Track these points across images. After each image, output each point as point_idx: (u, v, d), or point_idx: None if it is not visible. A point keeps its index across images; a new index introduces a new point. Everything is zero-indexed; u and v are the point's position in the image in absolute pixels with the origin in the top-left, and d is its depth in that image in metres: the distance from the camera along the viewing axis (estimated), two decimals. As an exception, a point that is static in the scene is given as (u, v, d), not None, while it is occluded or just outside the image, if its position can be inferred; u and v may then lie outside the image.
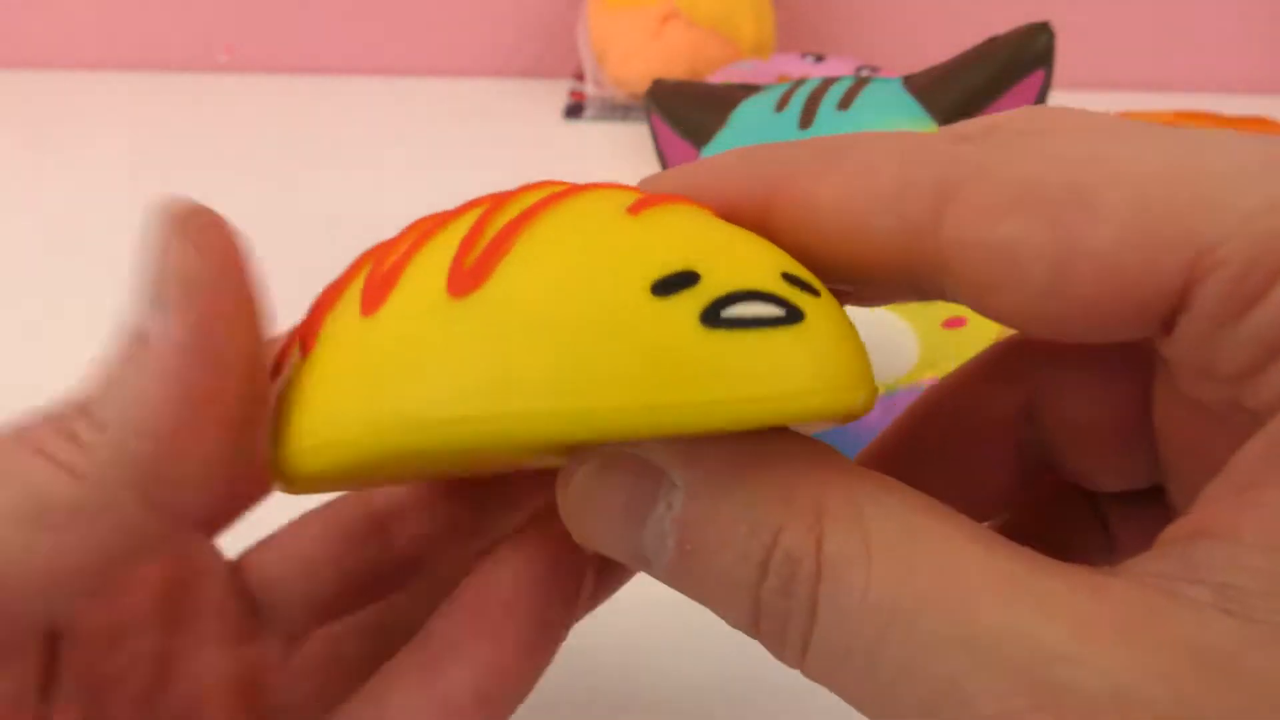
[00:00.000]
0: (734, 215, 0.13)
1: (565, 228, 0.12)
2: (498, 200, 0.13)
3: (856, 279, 0.13)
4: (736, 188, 0.13)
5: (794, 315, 0.12)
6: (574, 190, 0.13)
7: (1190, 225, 0.11)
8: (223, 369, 0.12)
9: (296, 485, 0.14)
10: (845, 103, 0.25)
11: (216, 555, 0.17)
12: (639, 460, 0.12)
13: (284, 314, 0.15)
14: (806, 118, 0.25)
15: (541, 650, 0.15)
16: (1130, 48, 0.65)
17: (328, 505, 0.18)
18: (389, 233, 0.15)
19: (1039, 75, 0.24)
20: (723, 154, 0.14)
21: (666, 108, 0.28)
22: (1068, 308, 0.12)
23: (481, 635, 0.14)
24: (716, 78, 0.52)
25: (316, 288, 0.16)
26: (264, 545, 0.18)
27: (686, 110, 0.28)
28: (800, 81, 0.26)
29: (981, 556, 0.11)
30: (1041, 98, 0.24)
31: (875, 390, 0.14)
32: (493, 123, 0.61)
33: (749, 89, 0.28)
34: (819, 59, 0.51)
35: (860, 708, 0.12)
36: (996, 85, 0.24)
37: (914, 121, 0.25)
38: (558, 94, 0.64)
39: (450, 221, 0.13)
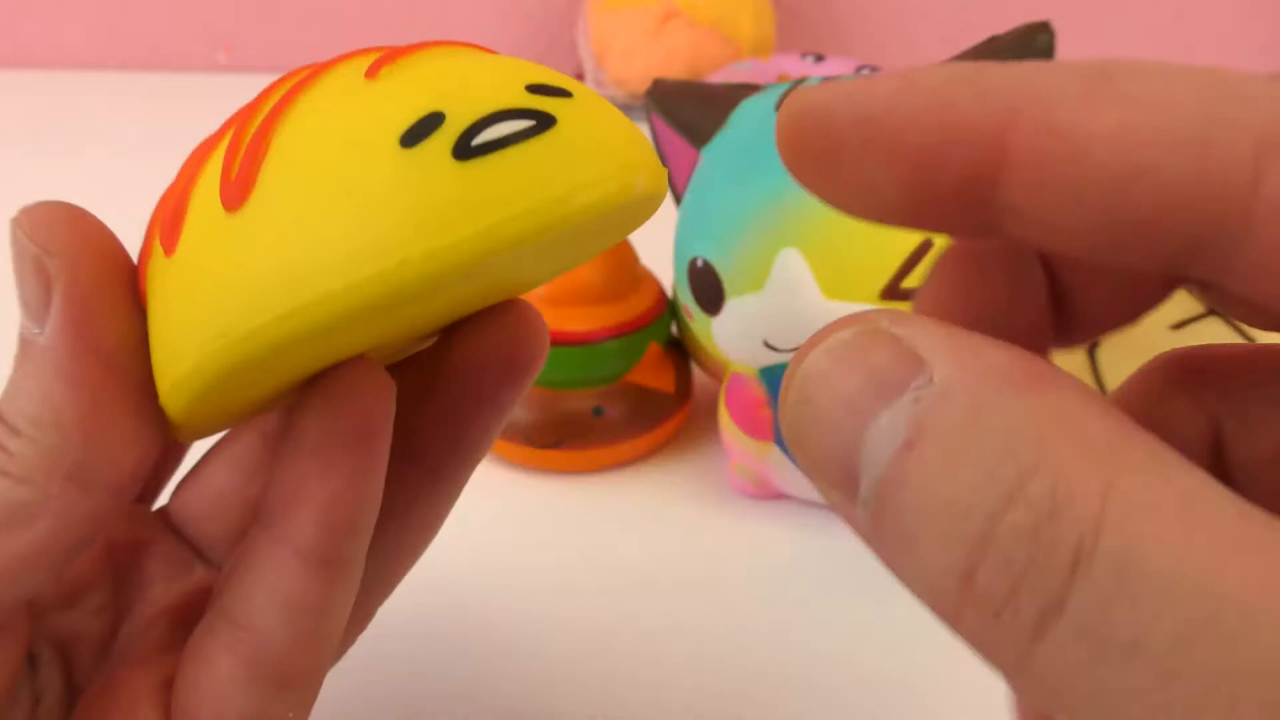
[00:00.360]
0: (947, 144, 0.11)
1: (311, 114, 0.13)
2: (252, 106, 0.14)
3: (1113, 239, 0.10)
4: (957, 111, 0.10)
5: (545, 122, 0.12)
6: (318, 71, 0.14)
7: None
8: (102, 352, 0.14)
9: (183, 430, 0.15)
10: (845, 102, 0.25)
11: (146, 511, 0.19)
12: (896, 342, 0.10)
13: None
14: (807, 117, 0.25)
15: (368, 473, 0.15)
16: (1130, 48, 0.65)
17: (227, 438, 0.19)
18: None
19: (1039, 75, 0.24)
20: (929, 70, 0.11)
21: (666, 107, 0.28)
22: None
23: (309, 479, 0.15)
24: (716, 77, 0.52)
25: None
26: (183, 485, 0.19)
27: (686, 110, 0.28)
28: (800, 81, 0.26)
29: None
30: (1042, 97, 0.24)
31: (659, 170, 0.14)
32: (493, 122, 0.61)
33: (749, 89, 0.28)
34: (819, 59, 0.51)
35: None
36: (997, 85, 0.24)
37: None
38: (558, 94, 0.64)
39: (219, 141, 0.14)
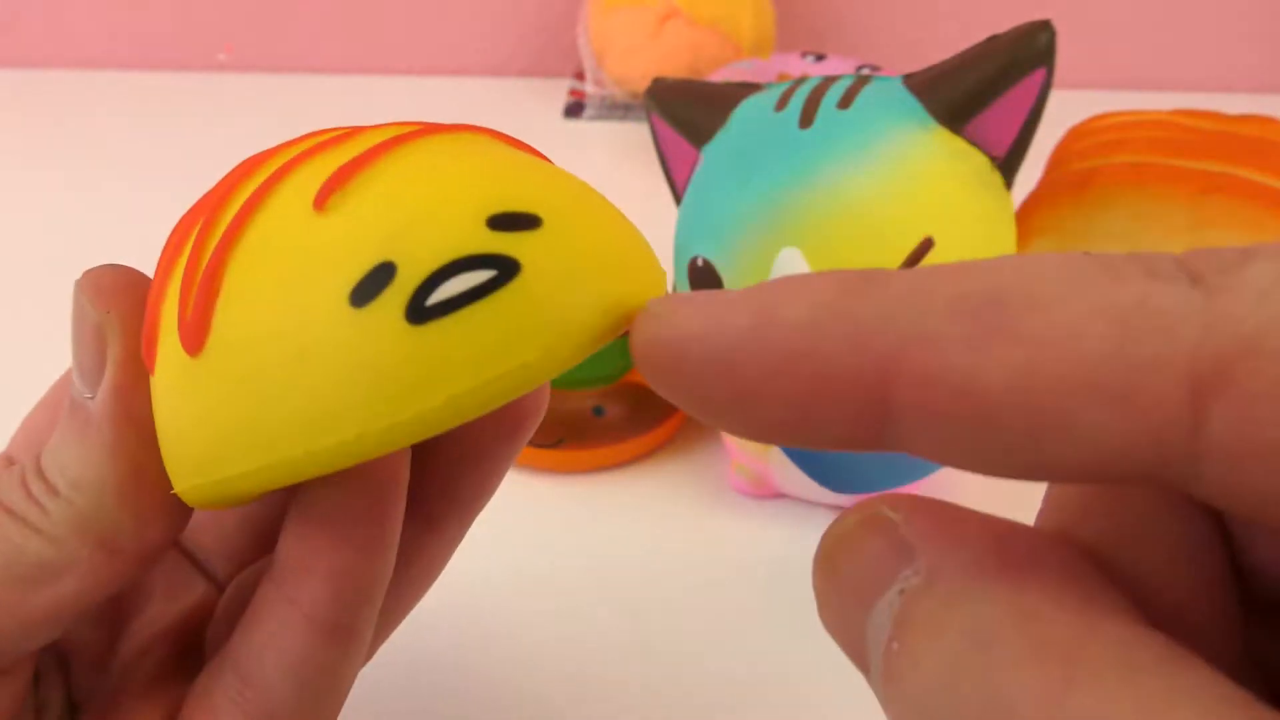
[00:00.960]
0: (824, 403, 0.10)
1: (260, 250, 0.12)
2: (208, 218, 0.13)
3: (1024, 475, 0.09)
4: (832, 362, 0.09)
5: (507, 270, 0.11)
6: (263, 191, 0.13)
7: None
8: (146, 425, 0.14)
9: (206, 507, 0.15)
10: (845, 102, 0.25)
11: None
12: (889, 531, 0.10)
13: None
14: (806, 117, 0.25)
15: (381, 546, 0.15)
16: (1130, 47, 0.65)
17: None
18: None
19: (1040, 74, 0.24)
20: (788, 302, 0.10)
21: (666, 106, 0.28)
22: None
23: (322, 549, 0.15)
24: (716, 76, 0.52)
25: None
26: None
27: (686, 109, 0.28)
28: (800, 80, 0.26)
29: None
30: (1042, 97, 0.24)
31: (648, 285, 0.12)
32: (493, 122, 0.60)
33: (749, 88, 0.28)
34: (819, 58, 0.51)
35: None
36: (997, 84, 0.24)
37: (914, 120, 0.25)
38: (558, 93, 0.64)
39: (187, 238, 0.13)
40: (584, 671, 0.25)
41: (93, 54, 0.69)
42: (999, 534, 0.09)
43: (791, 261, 0.24)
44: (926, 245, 0.24)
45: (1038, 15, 0.25)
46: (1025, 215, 0.31)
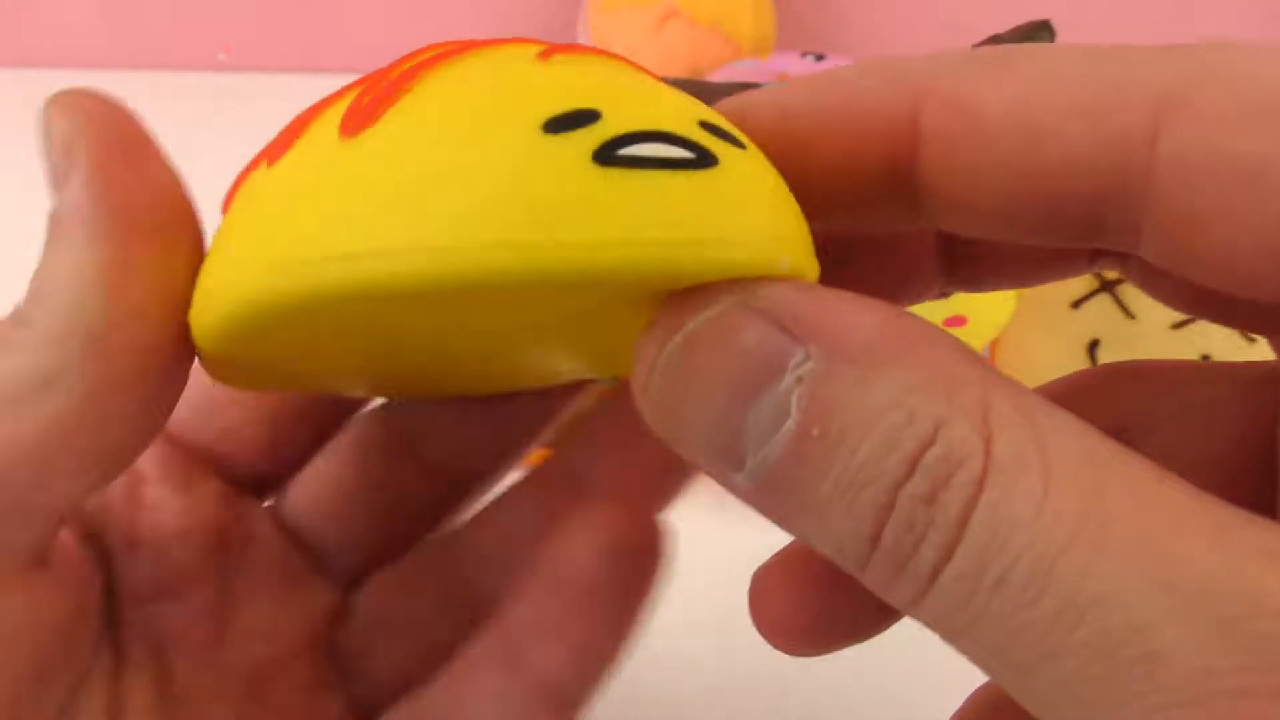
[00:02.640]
0: (865, 132, 0.11)
1: (467, 70, 0.12)
2: (404, 57, 0.12)
3: (1021, 213, 0.11)
4: (871, 97, 0.11)
5: (705, 159, 0.11)
6: (488, 43, 0.12)
7: None
8: (125, 211, 0.13)
9: (209, 361, 0.14)
10: (845, 102, 0.25)
11: (257, 505, 0.18)
12: (766, 321, 0.10)
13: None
14: (807, 117, 0.25)
15: (626, 625, 0.15)
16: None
17: (350, 430, 0.17)
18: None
19: (1039, 74, 0.24)
20: (843, 67, 0.12)
21: (667, 107, 0.28)
22: None
23: (566, 616, 0.14)
24: (716, 76, 0.52)
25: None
26: (297, 485, 0.18)
27: (687, 109, 0.28)
28: (800, 81, 0.26)
29: (1182, 496, 0.09)
30: (1042, 97, 0.24)
31: (811, 260, 0.12)
32: (493, 122, 0.61)
33: (749, 88, 0.28)
34: (819, 58, 0.51)
35: (989, 656, 0.09)
36: (997, 84, 0.24)
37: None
38: (558, 93, 0.64)
39: (346, 93, 0.13)
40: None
41: (93, 54, 0.69)
42: (877, 310, 0.10)
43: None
44: (926, 245, 0.24)
45: (1037, 15, 0.25)
46: (1025, 215, 0.31)
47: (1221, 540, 0.08)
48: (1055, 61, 0.10)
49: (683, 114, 0.11)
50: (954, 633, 0.09)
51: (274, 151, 0.13)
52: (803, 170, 0.11)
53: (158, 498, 0.16)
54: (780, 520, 0.10)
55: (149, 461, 0.16)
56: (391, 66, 0.12)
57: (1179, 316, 0.30)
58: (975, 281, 0.14)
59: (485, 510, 0.18)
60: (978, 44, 0.25)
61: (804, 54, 0.52)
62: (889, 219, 0.12)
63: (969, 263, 0.14)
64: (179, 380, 0.14)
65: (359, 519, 0.17)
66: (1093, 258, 0.13)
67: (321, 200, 0.11)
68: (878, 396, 0.09)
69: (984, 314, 0.26)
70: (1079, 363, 0.32)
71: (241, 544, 0.17)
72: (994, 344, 0.35)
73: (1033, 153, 0.10)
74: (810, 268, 0.12)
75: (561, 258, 0.10)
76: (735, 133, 0.12)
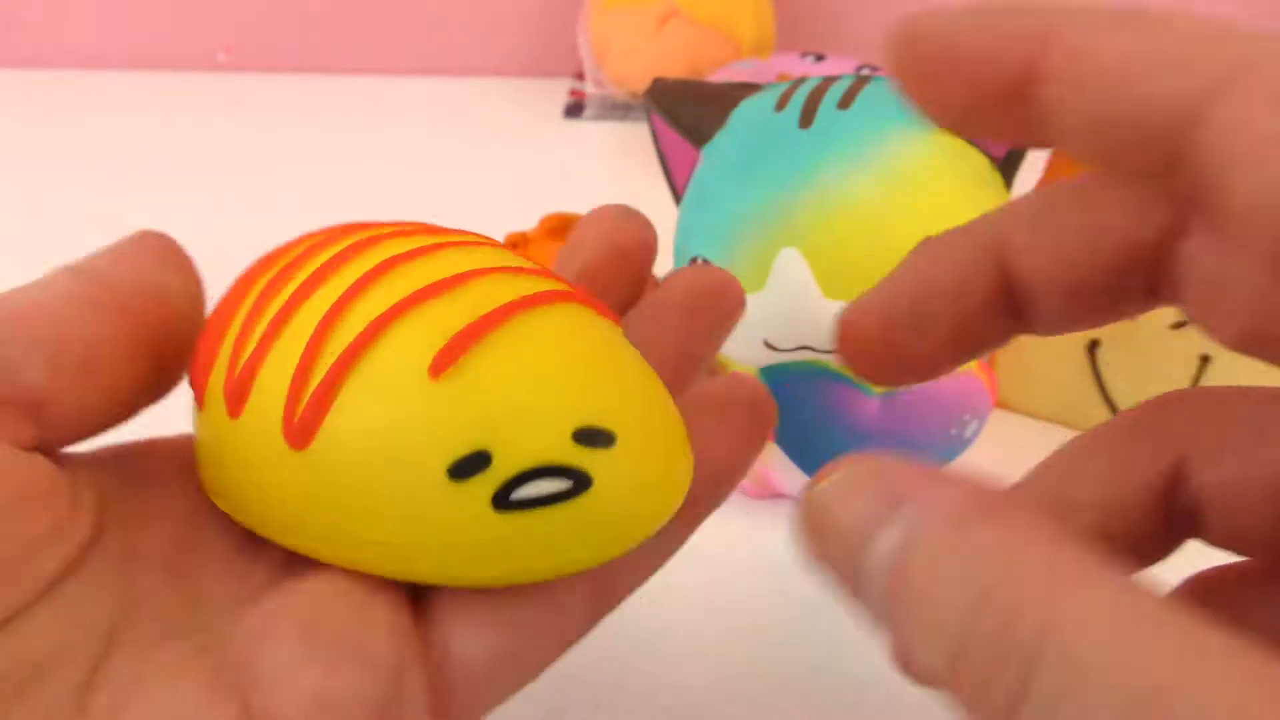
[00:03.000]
0: (991, 70, 0.13)
1: (373, 391, 0.14)
2: (328, 319, 0.14)
3: (1113, 139, 0.13)
4: (1002, 39, 0.13)
5: (580, 484, 0.14)
6: (387, 320, 0.14)
7: None
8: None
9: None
10: (845, 102, 0.25)
11: None
12: (880, 480, 0.12)
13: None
14: (806, 117, 0.25)
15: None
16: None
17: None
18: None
19: (1039, 74, 0.24)
20: (980, 4, 0.14)
21: (666, 106, 0.28)
22: None
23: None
24: (716, 76, 0.52)
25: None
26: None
27: (686, 109, 0.28)
28: (800, 81, 0.26)
29: (1237, 649, 0.10)
30: (1042, 97, 0.24)
31: (682, 491, 0.15)
32: (493, 122, 0.61)
33: (749, 88, 0.28)
34: (819, 58, 0.51)
35: None
36: (997, 84, 0.24)
37: (914, 120, 0.25)
38: (558, 93, 0.64)
39: (294, 312, 0.15)
40: (581, 671, 0.25)
41: (93, 54, 0.69)
42: (969, 485, 0.12)
43: (791, 262, 0.24)
44: (926, 245, 0.24)
45: (1037, 15, 0.25)
46: (1025, 215, 0.31)
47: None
48: (1167, 23, 0.12)
49: (561, 427, 0.14)
50: None
51: (231, 397, 0.14)
52: (950, 83, 0.14)
53: None
54: (890, 640, 0.12)
55: None
56: (312, 341, 0.14)
57: (1178, 316, 0.30)
58: (1041, 326, 0.16)
59: None
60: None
61: (804, 54, 0.52)
62: (1001, 132, 0.14)
63: (1032, 312, 0.15)
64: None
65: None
66: (1147, 295, 0.14)
67: (290, 503, 0.14)
68: (955, 551, 0.11)
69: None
70: (1079, 363, 0.32)
71: None
72: (994, 344, 0.35)
73: (1125, 91, 0.12)
74: (675, 501, 0.15)
75: (477, 581, 0.14)
76: (606, 423, 0.14)
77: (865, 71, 0.48)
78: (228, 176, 0.54)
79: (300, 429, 0.14)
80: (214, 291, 0.17)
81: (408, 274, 0.15)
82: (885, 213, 0.24)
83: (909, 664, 0.12)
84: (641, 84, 0.57)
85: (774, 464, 0.29)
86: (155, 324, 0.16)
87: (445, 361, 0.14)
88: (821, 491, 0.13)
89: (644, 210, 0.20)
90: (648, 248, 0.20)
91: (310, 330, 0.14)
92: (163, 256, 0.17)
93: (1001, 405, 0.35)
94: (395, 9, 0.67)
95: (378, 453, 0.14)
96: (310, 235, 0.17)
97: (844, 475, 0.13)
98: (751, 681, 0.25)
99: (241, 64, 0.68)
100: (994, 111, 0.14)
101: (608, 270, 0.19)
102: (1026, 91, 0.13)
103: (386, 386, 0.14)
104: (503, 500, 0.13)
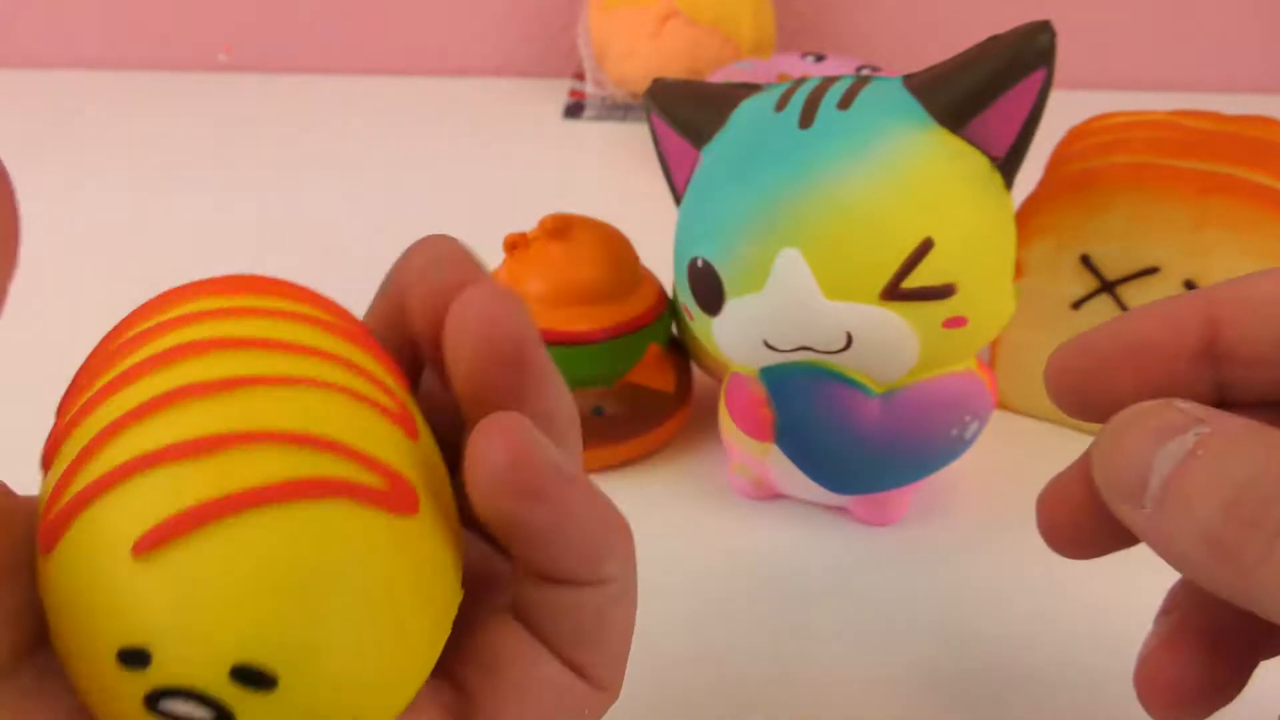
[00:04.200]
0: (1166, 344, 0.18)
1: (79, 548, 0.14)
2: (90, 448, 0.14)
3: None
4: (1178, 326, 0.18)
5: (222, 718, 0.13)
6: (125, 473, 0.14)
7: None
8: None
9: None
10: (845, 102, 0.25)
11: None
12: (1181, 410, 0.16)
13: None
14: (806, 117, 0.25)
15: None
16: (1130, 48, 0.65)
17: None
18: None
19: (1040, 74, 0.24)
20: (1136, 310, 0.18)
21: (666, 107, 0.28)
22: None
23: None
24: (716, 77, 0.52)
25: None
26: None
27: (686, 109, 0.28)
28: (800, 81, 0.26)
29: None
30: (1042, 97, 0.24)
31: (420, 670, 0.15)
32: (493, 122, 0.61)
33: (749, 88, 0.28)
34: (819, 59, 0.51)
35: None
36: (997, 84, 0.24)
37: (914, 120, 0.25)
38: (558, 93, 0.64)
39: (79, 424, 0.15)
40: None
41: (93, 54, 0.69)
42: (1248, 422, 0.15)
43: (791, 262, 0.24)
44: (926, 246, 0.24)
45: (1038, 15, 0.25)
46: (1025, 215, 0.31)
47: None
48: None
49: (223, 655, 0.13)
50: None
51: (46, 540, 0.14)
52: (1126, 382, 0.18)
53: None
54: (1162, 526, 0.16)
55: None
56: (63, 477, 0.14)
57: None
58: (1240, 393, 0.18)
59: None
60: (978, 44, 0.25)
61: (804, 54, 0.52)
62: (1191, 393, 0.18)
63: (1233, 379, 0.18)
64: None
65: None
66: None
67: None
68: (1236, 448, 0.15)
69: (984, 314, 0.26)
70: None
71: None
72: (994, 344, 0.35)
73: None
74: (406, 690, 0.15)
75: None
76: (273, 662, 0.13)
77: (865, 72, 0.48)
78: (227, 176, 0.54)
79: (43, 543, 0.14)
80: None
81: (191, 413, 0.14)
82: (885, 213, 0.24)
83: (1170, 548, 0.15)
84: (641, 84, 0.57)
85: (774, 465, 0.29)
86: None
87: (149, 543, 0.13)
88: (1126, 414, 0.17)
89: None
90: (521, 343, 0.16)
91: (75, 454, 0.14)
92: None
93: (1001, 405, 0.35)
94: (395, 9, 0.67)
95: (68, 610, 0.14)
96: (145, 311, 0.16)
97: (1151, 403, 0.17)
98: (750, 681, 0.25)
99: (241, 64, 0.68)
100: (1179, 378, 0.18)
101: (485, 381, 0.16)
102: (1208, 363, 0.17)
103: (91, 548, 0.14)
104: (152, 705, 0.13)
